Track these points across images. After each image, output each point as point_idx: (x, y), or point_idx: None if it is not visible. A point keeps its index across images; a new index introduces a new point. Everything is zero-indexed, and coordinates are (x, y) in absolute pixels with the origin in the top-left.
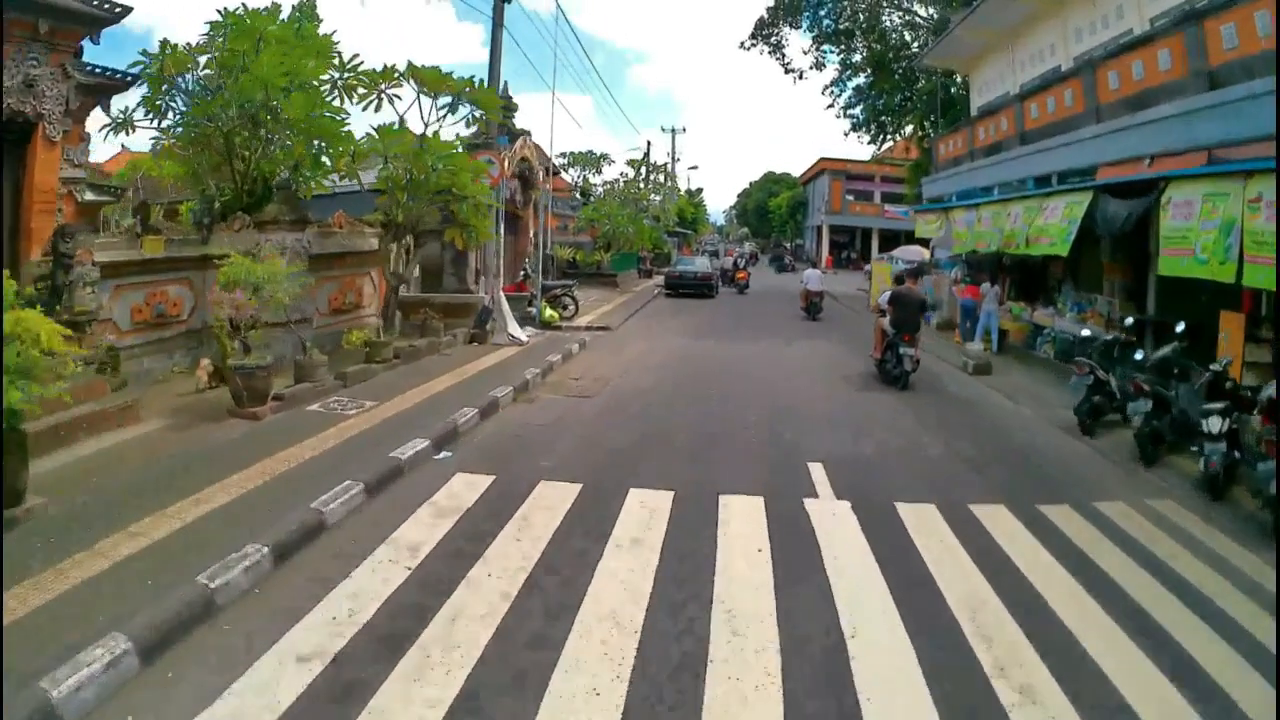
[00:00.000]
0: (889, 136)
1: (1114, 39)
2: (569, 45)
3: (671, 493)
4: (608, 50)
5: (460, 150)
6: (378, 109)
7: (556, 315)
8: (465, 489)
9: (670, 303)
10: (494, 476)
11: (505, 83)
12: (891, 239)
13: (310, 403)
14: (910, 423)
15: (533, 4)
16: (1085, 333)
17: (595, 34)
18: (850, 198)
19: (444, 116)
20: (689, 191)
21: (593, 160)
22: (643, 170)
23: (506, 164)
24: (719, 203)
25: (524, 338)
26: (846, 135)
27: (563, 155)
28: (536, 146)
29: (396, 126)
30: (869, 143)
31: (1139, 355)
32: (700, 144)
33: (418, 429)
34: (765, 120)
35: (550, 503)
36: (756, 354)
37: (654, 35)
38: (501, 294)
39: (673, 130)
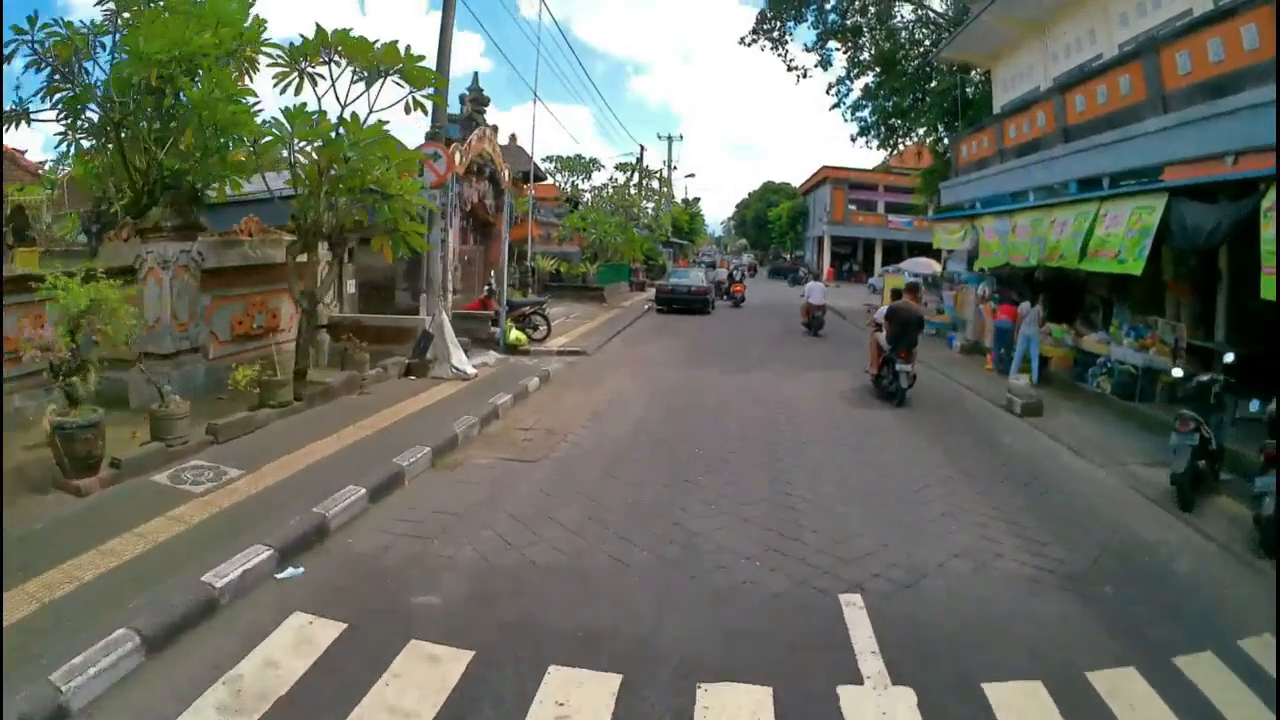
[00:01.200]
0: (899, 141)
1: (1168, 21)
2: (558, 50)
3: (617, 679)
4: (608, 61)
5: (388, 136)
6: (298, 90)
7: (524, 338)
8: (293, 649)
9: (660, 320)
10: (345, 625)
11: (476, 73)
12: (894, 250)
13: (157, 469)
14: (969, 500)
15: (527, 8)
16: (1141, 361)
17: (595, 44)
18: (853, 207)
19: (366, 93)
20: (686, 200)
21: (581, 165)
22: (634, 175)
23: (458, 158)
24: (718, 214)
25: (471, 370)
26: (854, 140)
27: (549, 159)
28: (515, 147)
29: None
30: (878, 147)
31: (1255, 406)
32: (699, 156)
33: (271, 522)
34: (765, 132)
35: (413, 692)
36: (758, 389)
37: (654, 46)
38: (444, 316)
39: (669, 138)
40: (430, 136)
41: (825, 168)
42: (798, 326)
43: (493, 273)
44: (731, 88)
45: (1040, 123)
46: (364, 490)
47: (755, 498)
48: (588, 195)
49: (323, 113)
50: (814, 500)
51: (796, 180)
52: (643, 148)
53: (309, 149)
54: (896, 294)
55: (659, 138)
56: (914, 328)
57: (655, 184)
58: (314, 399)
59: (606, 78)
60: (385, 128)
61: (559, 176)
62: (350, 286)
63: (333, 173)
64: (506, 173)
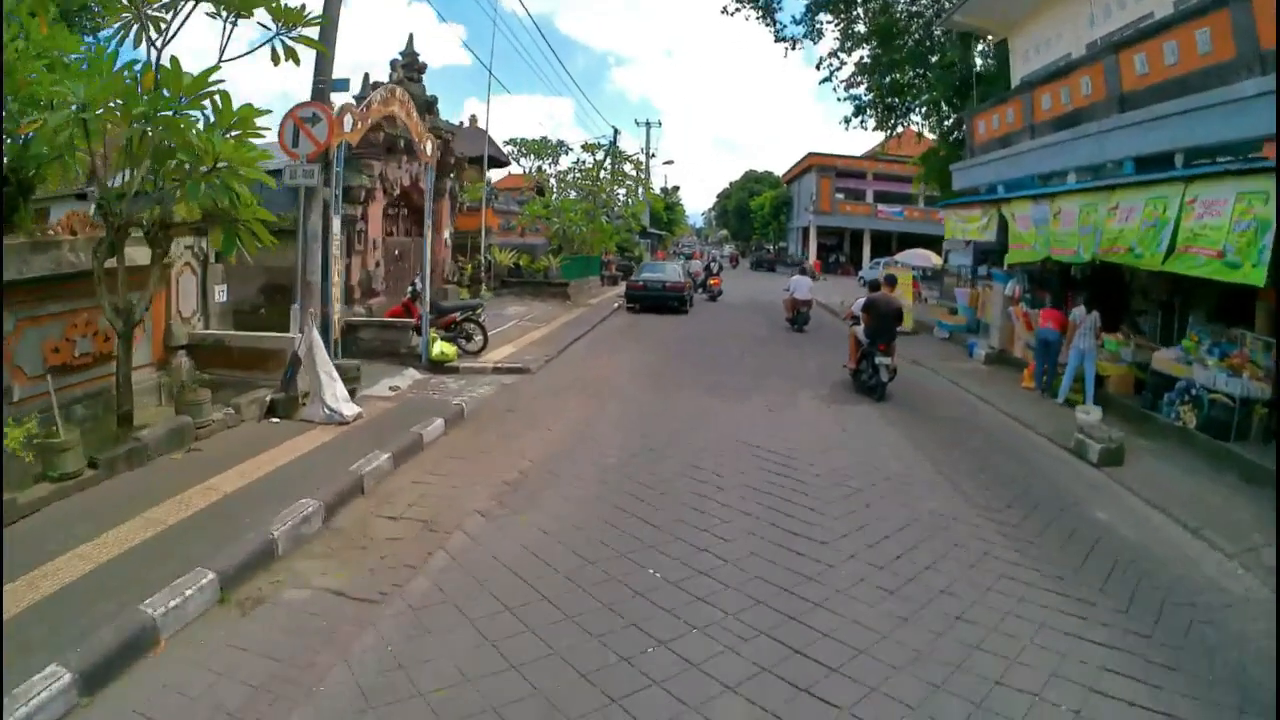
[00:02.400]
0: (899, 121)
1: None
2: (530, 38)
3: None
4: (589, 54)
5: (216, 90)
6: (137, 42)
7: (452, 352)
8: None
9: (630, 321)
10: None
11: (410, 35)
12: (884, 242)
13: None
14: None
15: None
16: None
17: (576, 37)
18: (840, 196)
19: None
20: (665, 189)
21: (549, 149)
22: (603, 158)
23: (348, 122)
24: (699, 205)
25: (348, 410)
26: (848, 121)
27: (512, 142)
28: (474, 129)
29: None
30: (875, 128)
31: None
32: (681, 148)
33: None
34: (748, 125)
35: None
36: (748, 430)
37: (636, 40)
38: (315, 335)
39: (647, 124)
40: (315, 95)
41: (811, 154)
42: (782, 325)
43: (417, 273)
44: (714, 81)
45: (1085, 90)
46: (68, 677)
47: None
48: (554, 181)
49: (146, 65)
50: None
51: (780, 169)
52: (616, 130)
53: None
54: (874, 287)
55: (637, 124)
56: (892, 320)
57: (629, 169)
58: (117, 463)
59: (587, 71)
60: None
61: (525, 162)
62: (219, 295)
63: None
64: (429, 145)
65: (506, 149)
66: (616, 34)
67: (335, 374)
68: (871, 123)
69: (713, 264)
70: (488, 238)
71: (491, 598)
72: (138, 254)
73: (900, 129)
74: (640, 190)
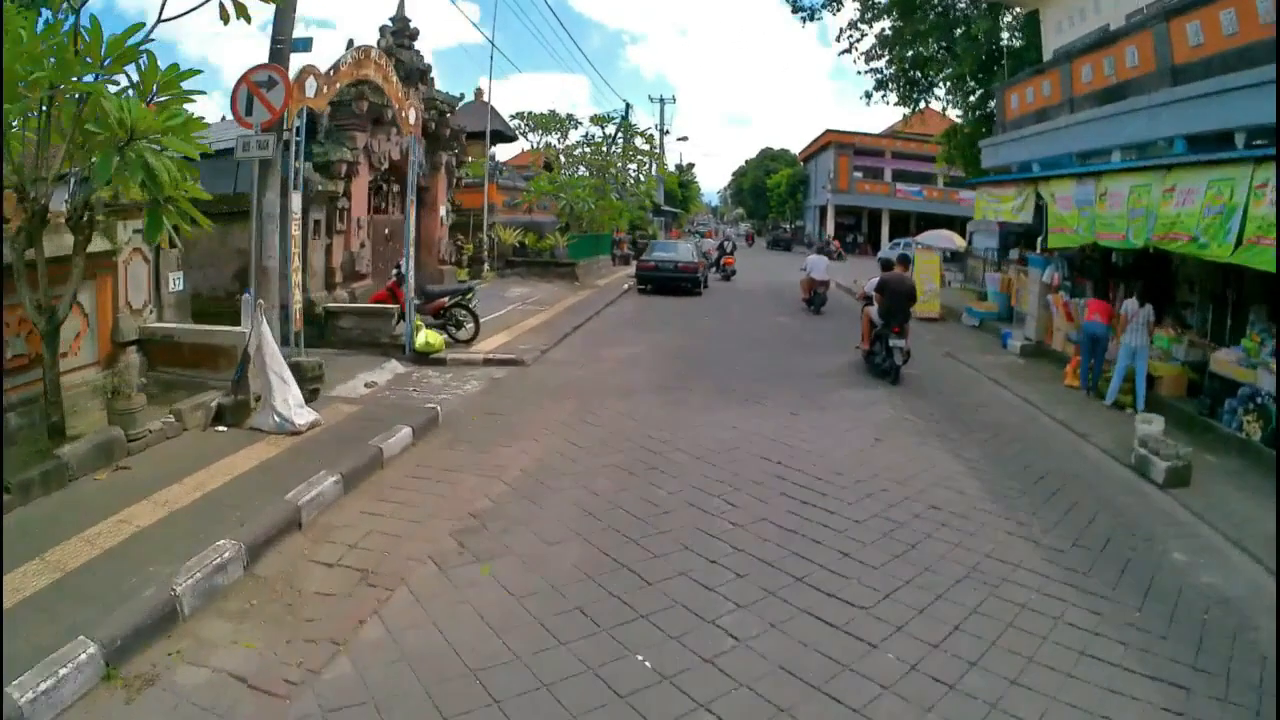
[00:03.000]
0: (921, 97)
1: None
2: (542, 17)
3: None
4: (603, 32)
5: (133, 48)
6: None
7: (438, 341)
8: None
9: (641, 304)
10: None
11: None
12: (902, 222)
13: None
14: None
15: None
16: None
17: (590, 14)
18: (858, 175)
19: None
20: (679, 167)
21: (557, 123)
22: (613, 132)
23: (313, 87)
24: (715, 184)
25: (301, 419)
26: (869, 96)
27: (519, 116)
28: (480, 104)
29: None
30: (897, 103)
31: None
32: (696, 126)
33: None
34: (764, 103)
35: None
36: (763, 434)
37: (649, 17)
38: (265, 331)
39: (660, 100)
40: (273, 56)
41: (829, 131)
42: (799, 306)
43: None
44: (730, 59)
45: (1132, 61)
46: None
47: None
48: (562, 157)
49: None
50: None
51: (797, 147)
52: (628, 104)
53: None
54: (887, 266)
55: (650, 100)
56: (906, 300)
57: (641, 143)
58: (33, 487)
59: (602, 50)
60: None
61: (532, 137)
62: (174, 283)
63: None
64: (412, 113)
65: (514, 124)
66: (631, 11)
67: (288, 375)
68: (893, 98)
69: (726, 243)
70: (491, 215)
71: (424, 698)
72: (49, 244)
73: (923, 105)
74: (653, 166)
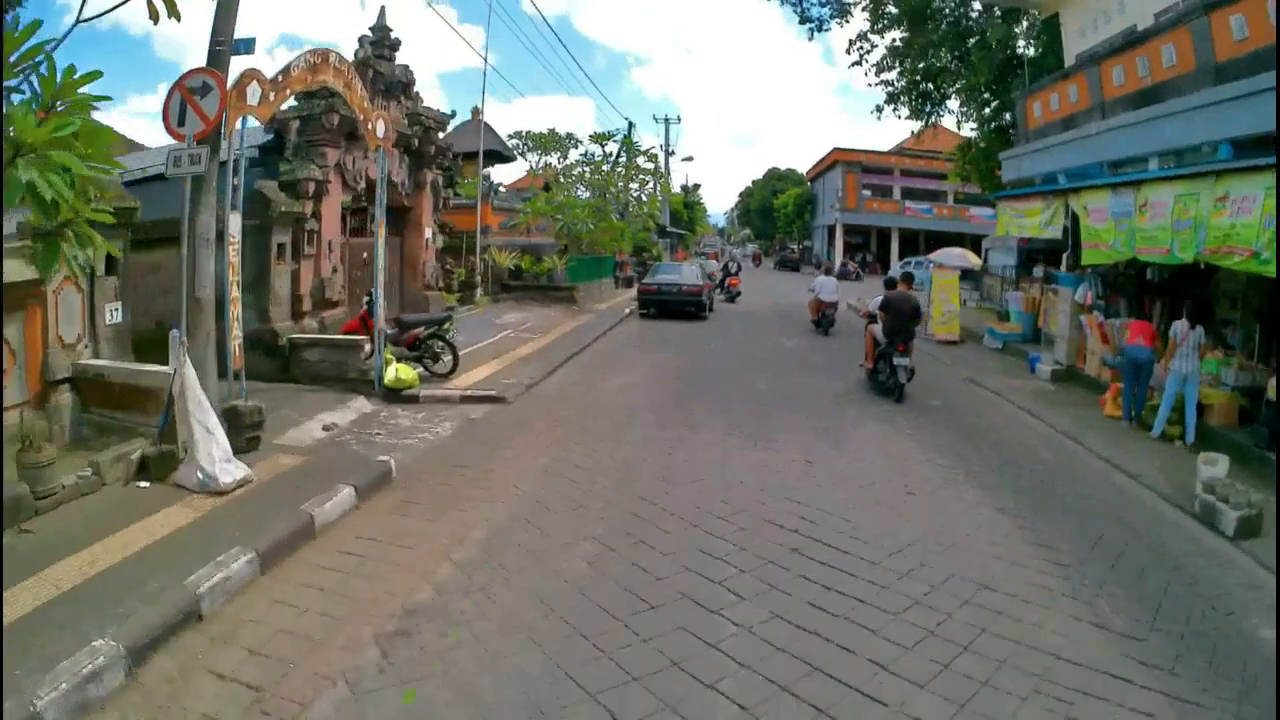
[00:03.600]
0: (934, 110)
1: None
2: (543, 38)
3: None
4: (607, 54)
5: (42, 56)
6: None
7: (411, 377)
8: None
9: (641, 330)
10: None
11: (383, 7)
12: (911, 240)
13: None
14: None
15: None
16: None
17: (593, 37)
18: (867, 193)
19: None
20: (685, 188)
21: (556, 142)
22: (615, 150)
23: (256, 93)
24: (721, 205)
25: (226, 478)
26: (880, 110)
27: (517, 135)
28: (476, 122)
29: None
30: (908, 117)
31: None
32: (702, 147)
33: None
34: (770, 123)
35: None
36: (775, 488)
37: (653, 38)
38: (189, 374)
39: (665, 120)
40: (211, 60)
41: (836, 149)
42: (807, 328)
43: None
44: (735, 80)
45: (1169, 60)
46: None
47: None
48: (561, 177)
49: None
50: None
51: (803, 167)
52: (631, 123)
53: None
54: (890, 285)
55: (655, 120)
56: (910, 319)
57: (644, 162)
58: None
59: (607, 72)
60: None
61: (531, 157)
62: (112, 315)
63: None
64: (381, 125)
65: (512, 143)
66: (635, 33)
67: (215, 423)
68: (905, 111)
69: (731, 264)
70: (486, 238)
71: None
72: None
73: (936, 118)
74: (655, 185)
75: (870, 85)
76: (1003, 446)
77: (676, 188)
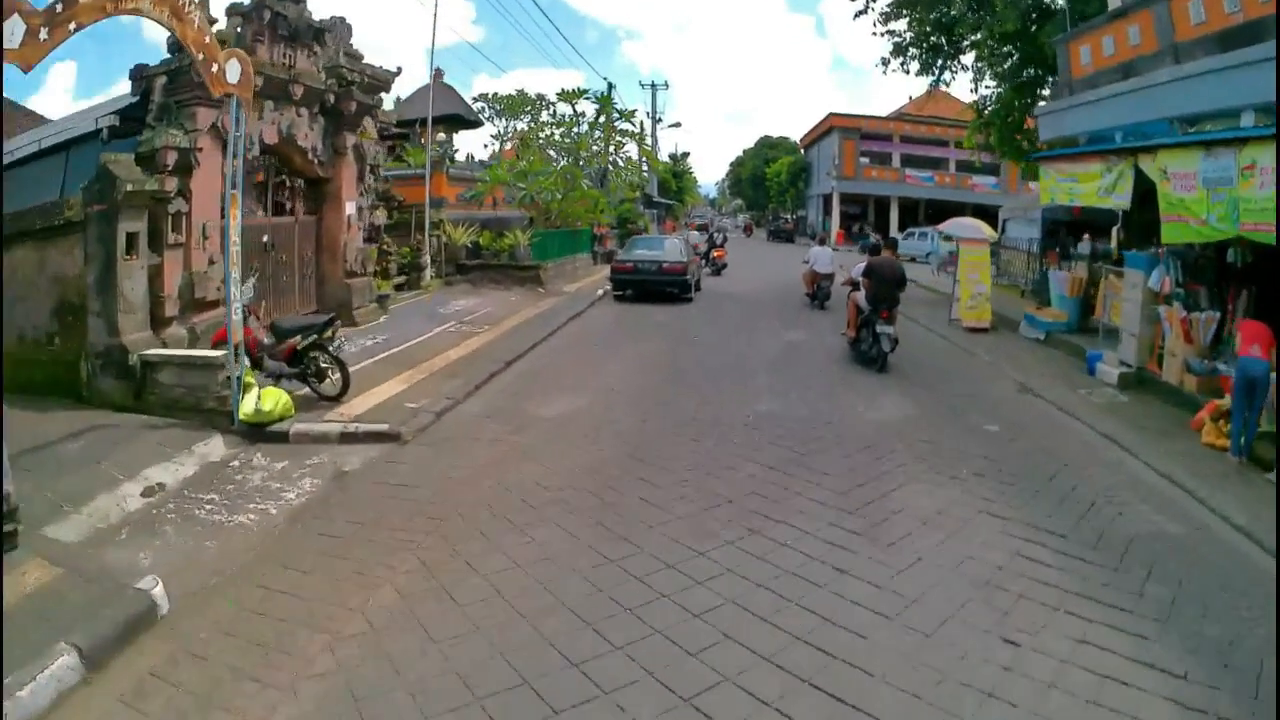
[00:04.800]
0: (947, 64)
1: None
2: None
3: None
4: (599, 27)
5: None
6: None
7: (278, 406)
8: None
9: (612, 317)
10: None
11: None
12: (911, 210)
13: None
14: None
15: None
16: None
17: (584, 11)
18: (865, 160)
19: None
20: (674, 156)
21: (527, 104)
22: (593, 112)
23: (19, 28)
24: (712, 176)
25: None
26: (885, 63)
27: (482, 98)
28: (440, 85)
29: None
30: (917, 73)
31: None
32: (694, 120)
33: None
34: (762, 95)
35: None
36: (809, 679)
37: (645, 12)
38: None
39: (652, 85)
40: None
41: (832, 115)
42: (802, 302)
43: (254, 270)
44: (727, 55)
45: None
46: None
47: None
48: (527, 143)
49: None
50: None
51: (797, 135)
52: (611, 85)
53: None
54: (872, 251)
55: (641, 86)
56: (894, 286)
57: (627, 126)
58: None
59: (598, 47)
60: None
61: (499, 122)
62: None
63: None
64: (236, 68)
65: (477, 106)
66: (628, 8)
67: None
68: (915, 66)
69: (717, 234)
70: (439, 211)
71: None
72: None
73: (949, 74)
74: (634, 148)
75: (875, 34)
76: (1107, 515)
77: (664, 156)
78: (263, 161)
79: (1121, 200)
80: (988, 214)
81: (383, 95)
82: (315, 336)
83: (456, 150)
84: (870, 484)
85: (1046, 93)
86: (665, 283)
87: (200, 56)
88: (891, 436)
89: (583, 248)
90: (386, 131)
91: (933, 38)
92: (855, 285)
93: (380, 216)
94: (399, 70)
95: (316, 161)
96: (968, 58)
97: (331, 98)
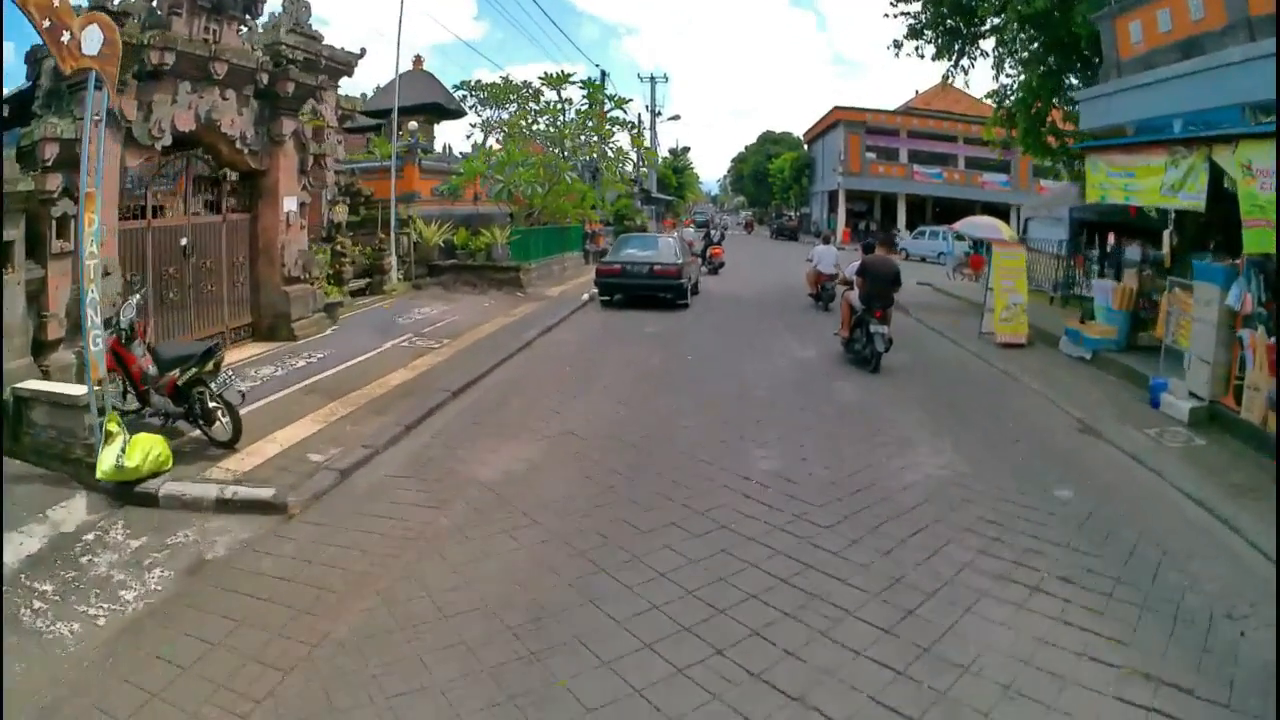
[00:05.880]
0: (965, 49)
1: None
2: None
3: None
4: (599, 24)
5: None
6: None
7: (149, 459)
8: None
9: (593, 328)
10: None
11: None
12: (918, 208)
13: None
14: None
15: None
16: None
17: (585, 8)
18: (871, 156)
19: None
20: (674, 151)
21: (513, 92)
22: (576, 96)
23: None
24: (714, 173)
25: None
26: (899, 46)
27: (463, 87)
28: (419, 72)
29: None
30: (933, 57)
31: None
32: (696, 116)
33: None
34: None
35: None
36: None
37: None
38: None
39: (651, 78)
40: None
41: (838, 108)
42: (806, 304)
43: (137, 290)
44: (730, 52)
45: None
46: None
47: None
48: (506, 132)
49: None
50: None
51: (800, 130)
52: (604, 72)
53: None
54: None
55: (641, 79)
56: (889, 284)
57: (616, 112)
58: None
59: (600, 44)
60: None
61: (484, 112)
62: None
63: None
64: (95, 35)
65: (460, 95)
66: (629, 5)
67: None
68: (930, 50)
69: (714, 231)
70: (411, 206)
71: None
72: None
73: (968, 60)
74: (626, 139)
75: (889, 16)
76: (1234, 637)
77: (664, 151)
78: (178, 152)
79: (1193, 199)
80: (997, 212)
81: (344, 78)
82: (195, 370)
83: (435, 141)
84: (926, 605)
85: (1073, 80)
86: (657, 287)
87: (46, 22)
88: (942, 507)
89: (572, 246)
90: (352, 120)
91: (949, 20)
92: (849, 284)
93: (340, 213)
94: (362, 52)
95: (247, 151)
96: (988, 43)
97: (265, 78)
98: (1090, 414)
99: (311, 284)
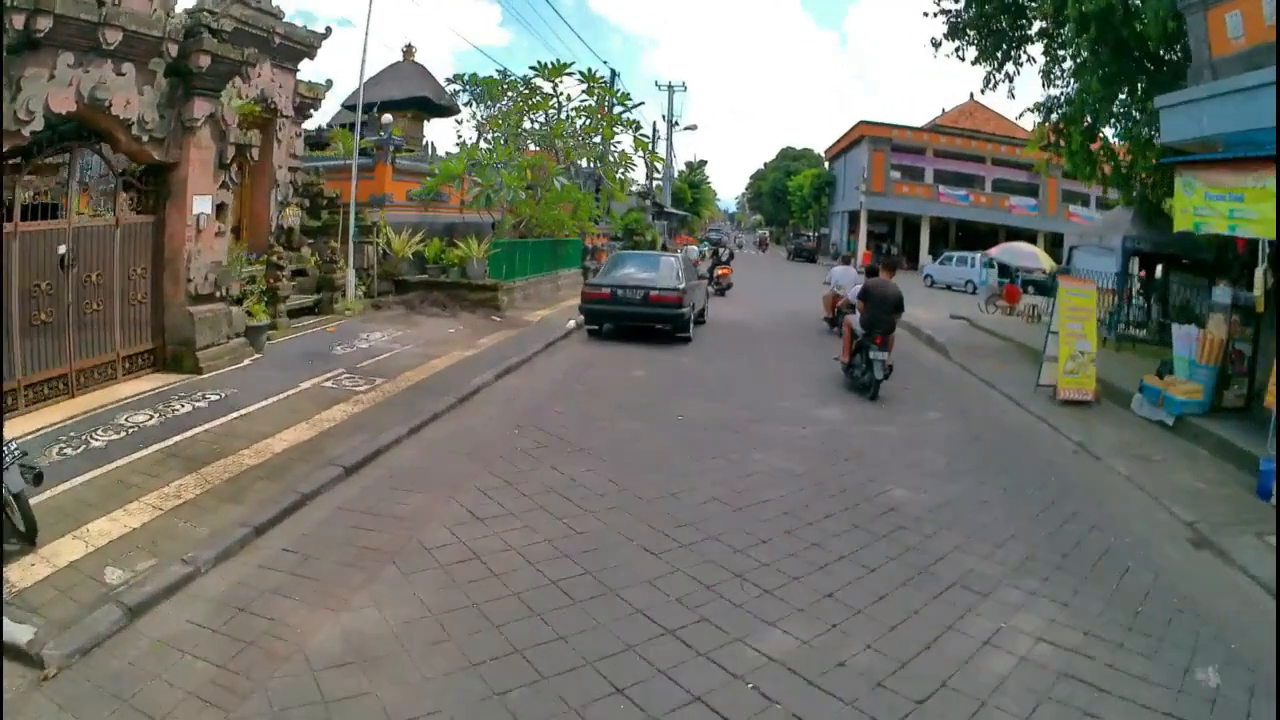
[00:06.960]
0: (1011, 53)
1: None
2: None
3: None
4: (622, 36)
5: None
6: None
7: None
8: None
9: (571, 367)
10: None
11: None
12: (941, 231)
13: None
14: None
15: None
16: None
17: (608, 18)
18: (896, 175)
19: None
20: (690, 164)
21: (508, 86)
22: (564, 91)
23: None
24: (732, 190)
25: None
26: (937, 45)
27: (456, 80)
28: (408, 64)
29: None
30: (974, 60)
31: None
32: (714, 130)
33: None
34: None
35: None
36: None
37: (669, 21)
38: None
39: (669, 86)
40: None
41: (862, 123)
42: (823, 328)
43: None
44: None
45: None
46: None
47: None
48: (484, 130)
49: None
50: None
51: (821, 147)
52: (614, 71)
53: None
54: (885, 268)
55: (658, 87)
56: (890, 309)
57: (620, 111)
58: None
59: (623, 55)
60: None
61: (477, 107)
62: None
63: None
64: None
65: (450, 89)
66: (651, 16)
67: None
68: (972, 51)
69: (721, 250)
70: (379, 211)
71: None
72: None
73: (1013, 66)
74: (629, 141)
75: (929, 15)
76: None
77: (680, 164)
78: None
79: None
80: (1023, 238)
81: (305, 61)
82: None
83: (425, 139)
84: None
85: (1139, 87)
86: (653, 316)
87: None
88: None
89: (568, 263)
90: (314, 109)
91: (993, 22)
92: (851, 308)
93: (292, 216)
94: (328, 31)
95: (148, 139)
96: (1035, 47)
97: (174, 49)
98: (1199, 513)
99: (229, 303)
